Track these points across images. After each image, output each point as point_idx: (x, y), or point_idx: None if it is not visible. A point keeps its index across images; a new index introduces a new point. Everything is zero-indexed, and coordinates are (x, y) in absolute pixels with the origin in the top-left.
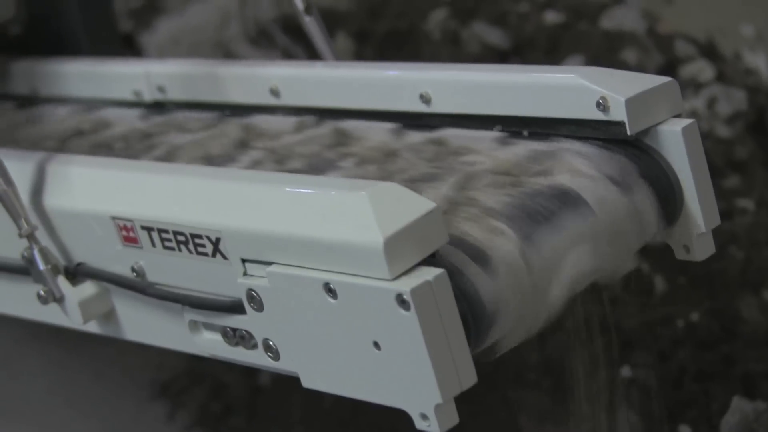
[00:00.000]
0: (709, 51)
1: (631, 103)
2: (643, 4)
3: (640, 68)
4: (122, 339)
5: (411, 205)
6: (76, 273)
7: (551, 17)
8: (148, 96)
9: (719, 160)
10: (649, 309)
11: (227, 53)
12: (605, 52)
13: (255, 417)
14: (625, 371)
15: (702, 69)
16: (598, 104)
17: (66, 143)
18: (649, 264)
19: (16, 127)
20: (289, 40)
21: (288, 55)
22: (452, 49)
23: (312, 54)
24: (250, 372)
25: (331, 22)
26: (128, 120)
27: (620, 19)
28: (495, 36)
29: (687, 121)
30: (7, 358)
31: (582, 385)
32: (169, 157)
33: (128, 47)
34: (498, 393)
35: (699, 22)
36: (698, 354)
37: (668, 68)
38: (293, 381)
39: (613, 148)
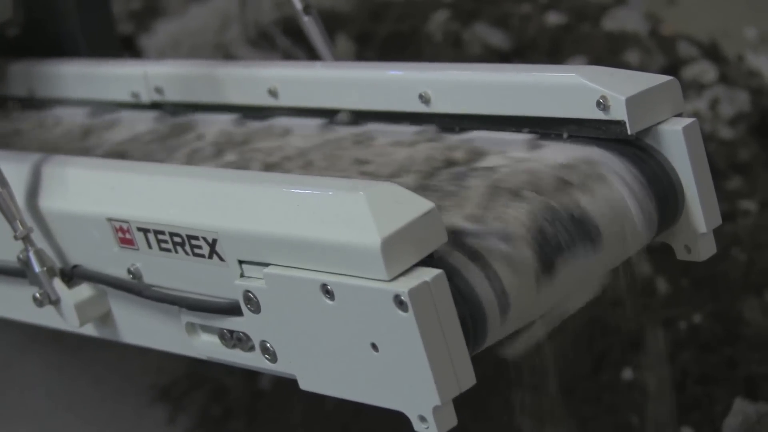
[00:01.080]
0: (712, 53)
1: (631, 102)
2: (645, 5)
3: (642, 70)
4: (119, 342)
5: (409, 205)
6: (72, 275)
7: (553, 19)
8: (146, 97)
9: (722, 161)
10: (651, 311)
11: (227, 55)
12: (608, 54)
13: (255, 420)
14: (627, 373)
15: (705, 70)
16: (598, 103)
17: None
18: (652, 266)
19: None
20: (289, 42)
21: (288, 57)
22: (454, 51)
23: (312, 55)
24: (250, 375)
25: (333, 24)
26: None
27: (622, 20)
28: (496, 38)
29: (688, 121)
30: (7, 363)
31: (583, 387)
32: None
33: (128, 50)
34: (498, 395)
35: (702, 23)
36: (701, 356)
37: (671, 70)
38: (294, 384)
39: (614, 147)
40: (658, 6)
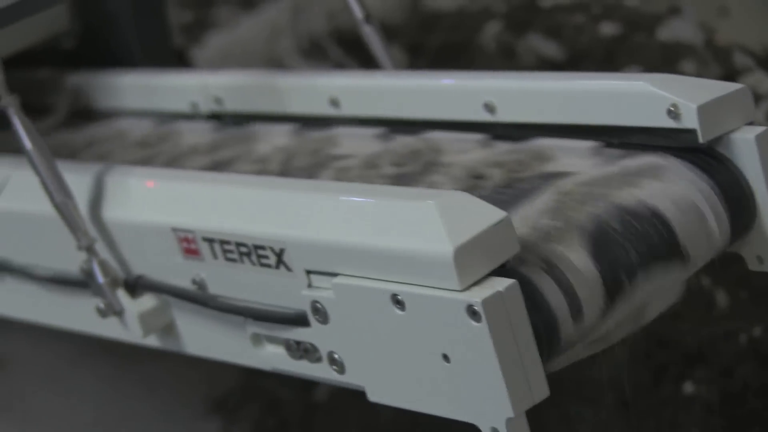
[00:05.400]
0: (767, 63)
1: (703, 110)
2: (698, 16)
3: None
4: (183, 353)
5: (481, 215)
6: (135, 286)
7: (607, 29)
8: (205, 107)
9: None
10: (710, 324)
11: (279, 67)
12: (662, 64)
13: None
14: (688, 387)
15: (760, 80)
16: (669, 111)
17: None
18: (711, 278)
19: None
20: (341, 53)
21: (341, 68)
22: (507, 62)
23: (364, 66)
24: (305, 387)
25: (384, 35)
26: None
27: (676, 30)
28: (550, 48)
29: (760, 129)
30: (59, 375)
31: (643, 401)
32: None
33: (179, 62)
34: (558, 409)
35: (755, 33)
36: (761, 369)
37: (727, 80)
38: (350, 396)
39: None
40: (710, 16)
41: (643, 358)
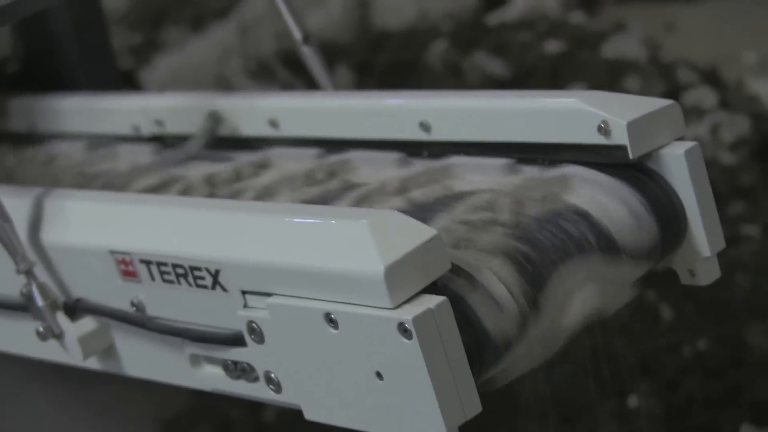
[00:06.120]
0: (712, 78)
1: (632, 127)
2: (644, 32)
3: (642, 95)
4: (123, 375)
5: (412, 233)
6: (75, 308)
7: (552, 46)
8: (146, 130)
9: (724, 186)
10: (655, 337)
11: (228, 87)
12: (607, 81)
13: None
14: (632, 400)
15: (705, 96)
16: (599, 128)
17: None
18: (655, 292)
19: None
20: (289, 74)
21: (288, 89)
22: (453, 80)
23: (311, 87)
24: (255, 408)
25: (332, 54)
26: None
27: (621, 47)
28: (496, 66)
29: (690, 144)
30: (9, 399)
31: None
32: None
33: (129, 84)
34: (503, 424)
35: (701, 49)
36: (706, 382)
37: (671, 95)
38: (298, 415)
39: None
40: (656, 32)
41: (587, 372)
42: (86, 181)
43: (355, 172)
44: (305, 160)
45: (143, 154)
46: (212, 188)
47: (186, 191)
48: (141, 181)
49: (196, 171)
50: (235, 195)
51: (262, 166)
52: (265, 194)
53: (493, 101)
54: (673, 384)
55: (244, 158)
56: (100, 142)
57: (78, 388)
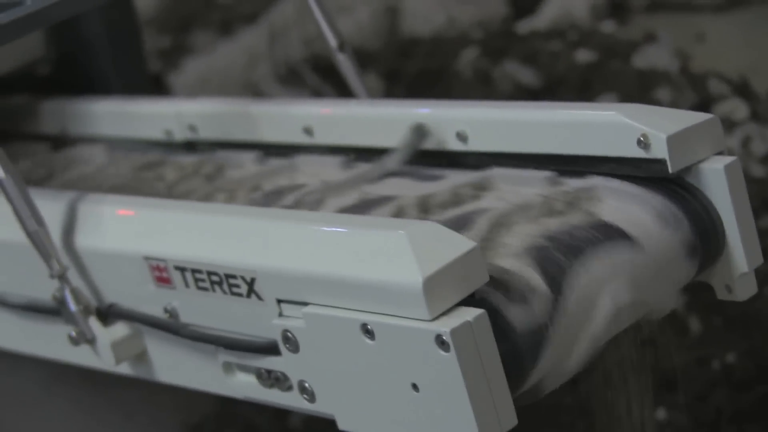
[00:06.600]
0: (743, 89)
1: (672, 141)
2: (675, 42)
3: (673, 107)
4: (155, 381)
5: (450, 245)
6: (108, 314)
7: (583, 56)
8: (179, 135)
9: (754, 199)
10: (684, 350)
11: (256, 93)
12: (638, 91)
13: None
14: (661, 413)
15: (736, 107)
16: (639, 142)
17: None
18: (684, 304)
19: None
20: (318, 80)
21: (317, 95)
22: (483, 89)
23: (341, 93)
24: (280, 414)
25: (361, 61)
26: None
27: (652, 57)
28: (526, 75)
29: (729, 159)
30: (37, 401)
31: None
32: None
33: (156, 88)
34: None
35: (732, 60)
36: (734, 395)
37: (702, 107)
38: (324, 423)
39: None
40: (687, 43)
41: (616, 384)
42: (265, 197)
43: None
44: (534, 183)
45: (327, 167)
46: (425, 213)
47: (398, 215)
48: (336, 200)
49: (403, 190)
50: (459, 223)
51: (481, 188)
52: (499, 224)
53: (531, 112)
54: (702, 397)
55: (458, 178)
56: (133, 146)
57: (103, 390)
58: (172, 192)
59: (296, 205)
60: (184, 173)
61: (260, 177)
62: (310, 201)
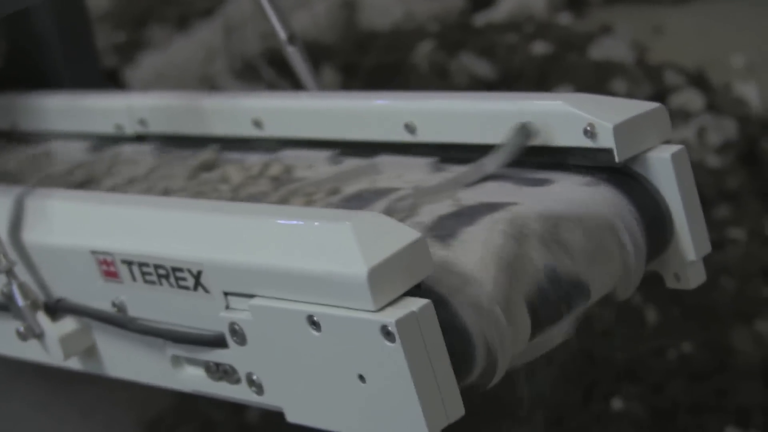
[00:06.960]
0: (699, 81)
1: (619, 130)
2: (632, 34)
3: (629, 98)
4: (105, 375)
5: (395, 235)
6: (56, 309)
7: (539, 48)
8: (129, 129)
9: (710, 190)
10: (640, 340)
11: (212, 87)
12: (594, 83)
13: None
14: (617, 403)
15: (691, 99)
16: (585, 131)
17: None
18: (641, 295)
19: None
20: (274, 74)
21: (273, 89)
22: (440, 82)
23: (297, 87)
24: (237, 409)
25: (318, 55)
26: None
27: (609, 49)
28: (483, 68)
29: (676, 148)
30: None
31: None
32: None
33: (113, 82)
34: (486, 426)
35: (689, 52)
36: (691, 385)
37: (658, 98)
38: (281, 417)
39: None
40: (644, 35)
41: (572, 375)
42: (344, 201)
43: None
44: None
45: (414, 168)
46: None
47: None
48: (431, 207)
49: (508, 196)
50: None
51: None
52: None
53: (478, 103)
54: (658, 387)
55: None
56: (84, 141)
57: (60, 388)
58: (237, 196)
59: (387, 211)
60: (250, 174)
61: (336, 179)
62: (401, 209)
